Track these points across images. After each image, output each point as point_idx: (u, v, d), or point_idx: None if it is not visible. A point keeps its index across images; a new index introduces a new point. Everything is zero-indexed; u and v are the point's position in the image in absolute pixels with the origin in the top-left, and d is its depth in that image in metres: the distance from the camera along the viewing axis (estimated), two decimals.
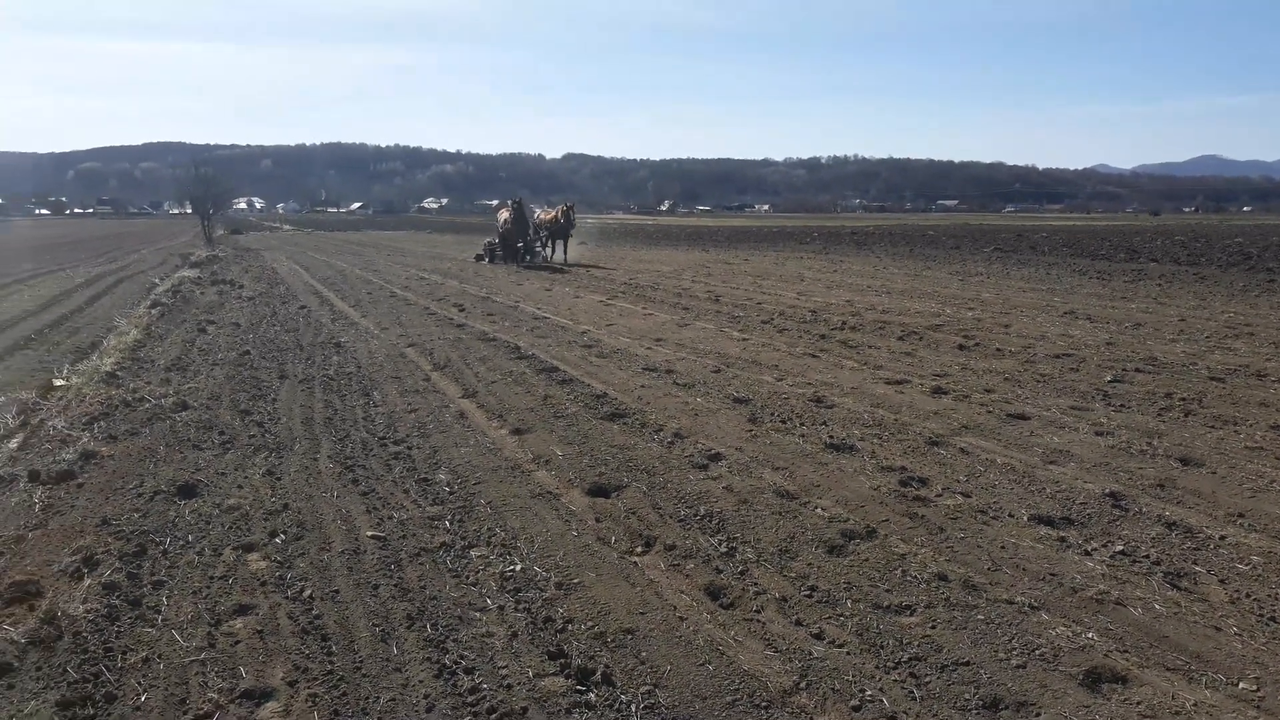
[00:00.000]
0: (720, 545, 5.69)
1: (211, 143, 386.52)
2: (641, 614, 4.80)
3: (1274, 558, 5.34)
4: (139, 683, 4.15)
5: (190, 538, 5.87)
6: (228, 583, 5.20)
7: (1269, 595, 4.88)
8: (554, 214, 31.83)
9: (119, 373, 11.09)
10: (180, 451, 7.82)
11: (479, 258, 33.56)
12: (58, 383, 10.61)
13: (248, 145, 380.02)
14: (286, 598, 5.00)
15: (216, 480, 7.04)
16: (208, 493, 6.75)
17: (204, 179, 62.14)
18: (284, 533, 5.94)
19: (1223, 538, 5.66)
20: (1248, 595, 4.88)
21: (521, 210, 30.95)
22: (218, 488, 6.87)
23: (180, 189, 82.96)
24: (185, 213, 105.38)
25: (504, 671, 4.22)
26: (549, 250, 32.31)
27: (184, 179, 72.57)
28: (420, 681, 4.15)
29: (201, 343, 13.86)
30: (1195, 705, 3.84)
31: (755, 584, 5.14)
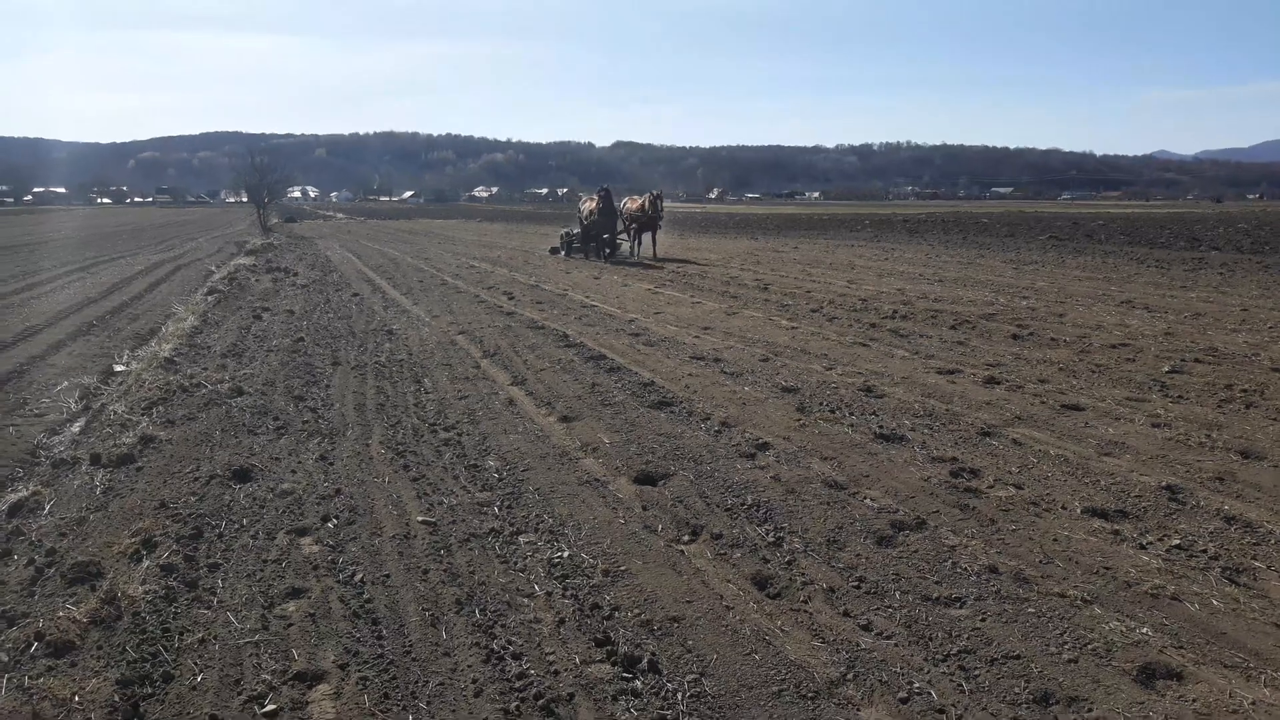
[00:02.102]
0: (767, 535, 5.68)
1: (267, 132, 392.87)
2: (688, 602, 4.80)
3: None
4: (195, 663, 4.24)
5: (245, 521, 5.99)
6: (281, 566, 5.29)
7: None
8: (641, 203, 28.50)
9: (177, 359, 11.33)
10: (235, 436, 7.97)
11: (554, 250, 31.30)
12: (118, 368, 10.87)
13: (302, 134, 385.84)
14: (338, 581, 5.08)
15: (270, 465, 7.17)
16: (262, 477, 6.87)
17: (259, 168, 63.10)
18: (336, 517, 6.04)
19: None
20: None
21: (610, 201, 28.31)
22: (272, 472, 6.99)
23: (236, 178, 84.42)
24: (241, 201, 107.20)
25: (551, 657, 4.25)
26: (635, 244, 29.26)
27: (240, 168, 73.84)
28: (468, 666, 4.19)
29: (256, 329, 14.11)
30: (1253, 704, 3.76)
31: (803, 574, 5.12)
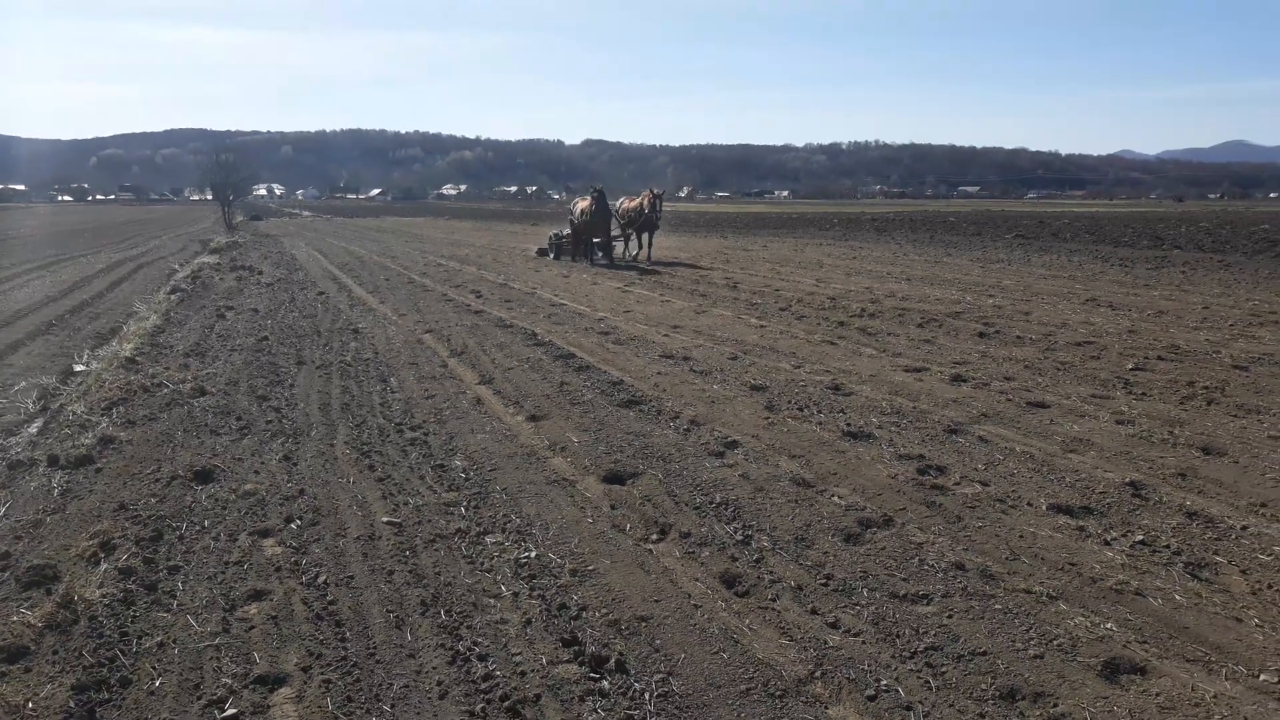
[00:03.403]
0: (736, 533, 5.66)
1: (232, 129, 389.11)
2: (656, 602, 4.78)
3: None
4: (154, 667, 4.16)
5: (206, 523, 5.89)
6: (243, 568, 5.21)
7: None
8: (639, 202, 26.43)
9: (138, 358, 11.15)
10: (198, 437, 7.86)
11: (542, 252, 29.62)
12: (78, 368, 10.69)
13: (268, 131, 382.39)
14: (301, 583, 5.01)
15: (233, 466, 7.07)
16: (224, 478, 6.77)
17: (224, 165, 62.46)
18: (300, 518, 5.96)
19: (1244, 528, 5.58)
20: (1269, 586, 4.82)
21: (604, 202, 25.87)
22: (234, 473, 6.89)
23: (201, 175, 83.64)
24: (205, 199, 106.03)
25: (518, 658, 4.21)
26: (634, 246, 27.36)
27: (204, 165, 73.10)
28: (433, 668, 4.15)
29: (220, 328, 13.93)
30: (1215, 697, 3.79)
31: (771, 572, 5.11)
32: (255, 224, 64.08)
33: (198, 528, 5.81)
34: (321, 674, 4.10)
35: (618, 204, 27.22)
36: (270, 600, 4.82)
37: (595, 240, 26.41)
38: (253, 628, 4.52)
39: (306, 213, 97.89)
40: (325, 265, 26.49)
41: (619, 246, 27.26)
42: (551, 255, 28.76)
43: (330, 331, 13.55)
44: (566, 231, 28.53)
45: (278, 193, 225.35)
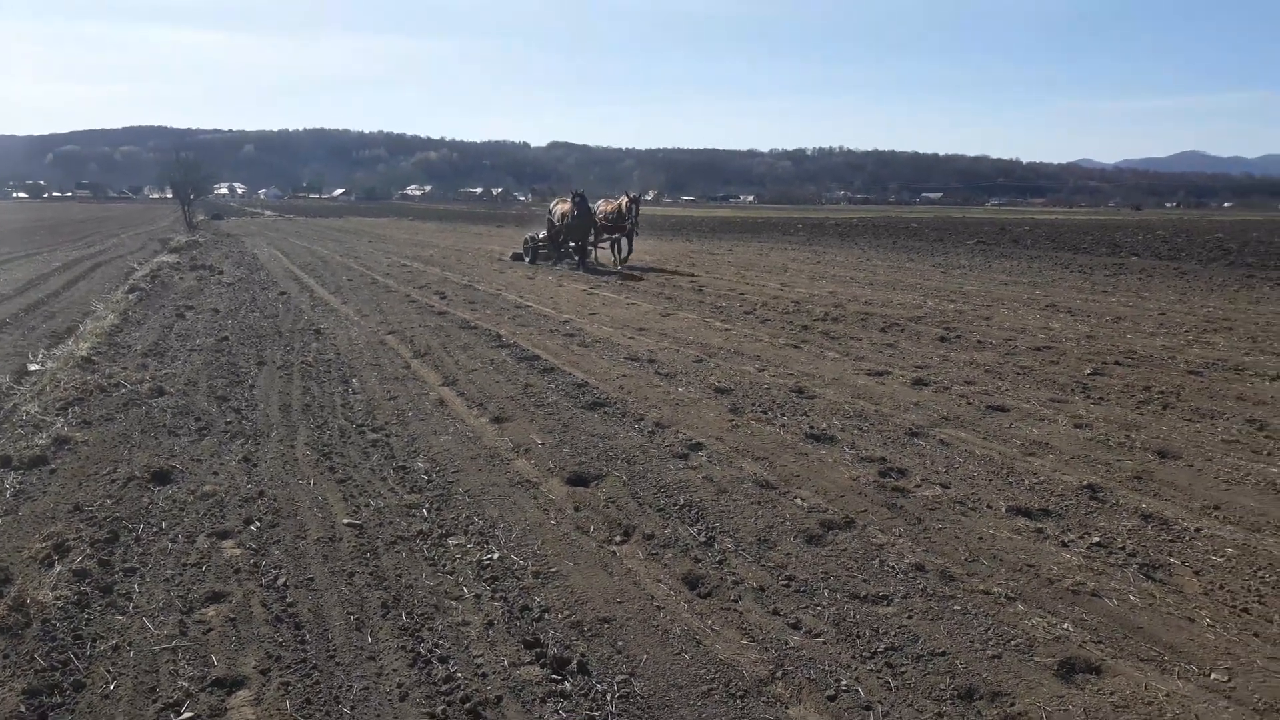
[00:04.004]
0: (699, 535, 5.68)
1: (193, 127, 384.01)
2: (619, 603, 4.78)
3: (1247, 550, 5.37)
4: (108, 671, 4.10)
5: (164, 524, 5.81)
6: (201, 570, 5.15)
7: (1242, 587, 4.90)
8: (616, 205, 25.60)
9: (95, 358, 10.98)
10: (155, 438, 7.75)
11: (516, 256, 28.36)
12: (32, 367, 10.49)
13: (230, 130, 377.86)
14: (260, 585, 4.95)
15: (192, 467, 6.97)
16: (182, 479, 6.68)
17: (185, 164, 61.56)
18: (259, 520, 5.89)
19: (1198, 530, 5.68)
20: (1221, 587, 4.91)
21: (586, 205, 24.91)
22: (193, 474, 6.80)
23: (161, 174, 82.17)
24: (165, 198, 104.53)
25: (479, 660, 4.19)
26: (614, 250, 26.18)
27: (164, 163, 71.98)
28: (394, 670, 4.12)
29: (179, 328, 13.74)
30: (1167, 695, 3.86)
31: (733, 574, 5.13)
32: (216, 223, 63.31)
33: (155, 529, 5.73)
34: (280, 676, 4.06)
35: (594, 208, 26.03)
36: (229, 602, 4.76)
37: (573, 244, 25.75)
38: (210, 630, 4.47)
39: (269, 212, 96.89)
40: (287, 265, 26.23)
41: (594, 251, 26.62)
42: (527, 259, 27.63)
43: (292, 332, 13.42)
44: (543, 234, 27.62)
45: (240, 192, 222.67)
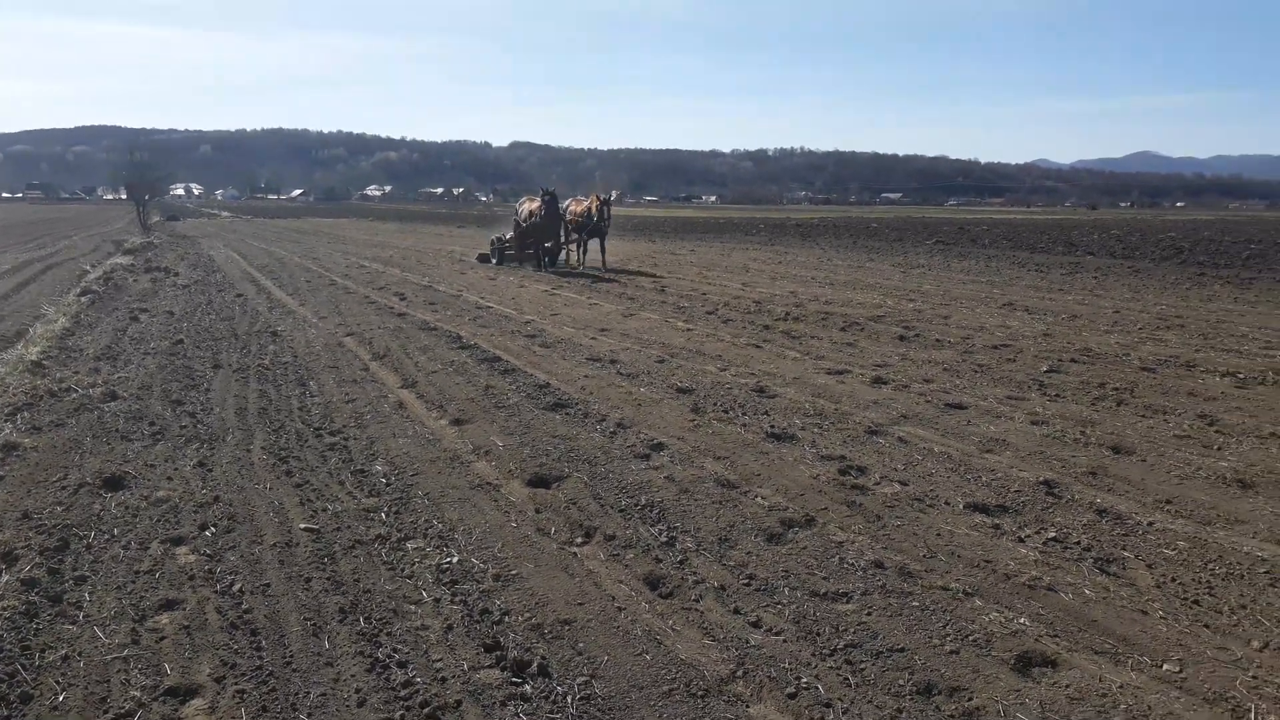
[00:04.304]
0: (660, 535, 5.67)
1: (148, 127, 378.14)
2: (580, 605, 4.76)
3: (1198, 543, 5.47)
4: (57, 681, 4.01)
5: (116, 531, 5.71)
6: (154, 577, 5.06)
7: (1193, 579, 4.99)
8: (586, 205, 24.63)
9: (45, 362, 10.76)
10: (108, 443, 7.60)
11: (483, 258, 27.65)
12: None
13: (185, 130, 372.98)
14: (215, 592, 4.88)
15: (145, 472, 6.86)
16: (135, 485, 6.57)
17: (139, 164, 60.67)
18: (214, 525, 5.80)
19: (1150, 524, 5.77)
20: (1173, 579, 4.98)
21: (555, 205, 24.10)
22: (146, 480, 6.68)
23: (114, 174, 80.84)
24: (120, 199, 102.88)
25: (438, 664, 4.16)
26: (580, 252, 25.42)
27: (118, 164, 70.81)
28: (352, 676, 4.07)
29: (133, 331, 13.52)
30: (1121, 687, 3.91)
31: (694, 573, 5.13)
32: (172, 224, 62.38)
33: (107, 536, 5.63)
34: (235, 684, 3.99)
35: (564, 207, 25.23)
36: (183, 610, 4.68)
37: (545, 245, 24.99)
38: (164, 638, 4.39)
39: (226, 213, 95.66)
40: (244, 267, 25.90)
41: (566, 253, 25.95)
42: (494, 261, 27.00)
43: (248, 334, 13.25)
44: (510, 235, 26.84)
45: (196, 193, 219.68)
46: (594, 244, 25.29)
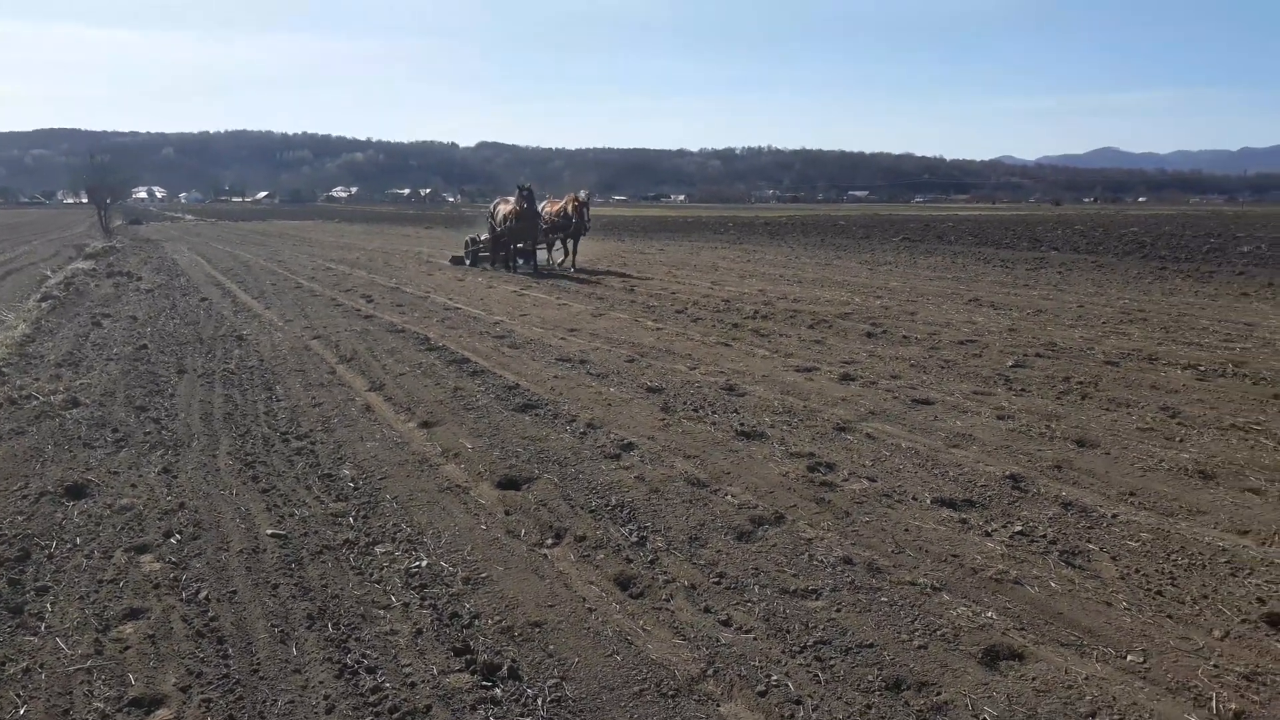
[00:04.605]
0: (631, 535, 5.67)
1: (109, 129, 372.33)
2: (550, 606, 4.75)
3: (1161, 534, 5.54)
4: (18, 694, 3.94)
5: (79, 540, 5.62)
6: (118, 586, 4.99)
7: (1156, 570, 5.05)
8: (561, 205, 24.21)
9: (4, 369, 10.59)
10: (70, 451, 7.49)
11: (456, 260, 27.13)
12: None
13: (148, 132, 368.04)
14: (181, 600, 4.82)
15: (108, 480, 6.76)
16: (98, 493, 6.47)
17: (100, 167, 59.89)
18: (179, 533, 5.73)
19: (1115, 516, 5.84)
20: (1137, 571, 5.05)
21: (533, 203, 23.26)
22: (109, 488, 6.59)
23: (75, 177, 79.77)
24: (81, 203, 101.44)
25: (407, 669, 4.13)
26: (555, 253, 25.24)
27: (79, 167, 69.89)
28: (320, 682, 4.03)
29: (96, 337, 13.33)
30: (1086, 679, 3.95)
31: (665, 573, 5.13)
32: (135, 228, 61.57)
33: (69, 546, 5.54)
34: (202, 693, 3.95)
35: (539, 207, 24.36)
36: (147, 619, 4.62)
37: (519, 246, 24.20)
38: (128, 648, 4.33)
39: (190, 216, 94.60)
40: (209, 270, 25.62)
41: (542, 254, 25.42)
42: (468, 263, 26.36)
43: (213, 339, 13.10)
44: (484, 236, 26.04)
45: (159, 196, 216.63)
46: (568, 245, 24.96)
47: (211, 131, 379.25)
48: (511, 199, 23.60)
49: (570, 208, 23.87)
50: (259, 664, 4.19)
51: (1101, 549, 5.37)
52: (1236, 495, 6.23)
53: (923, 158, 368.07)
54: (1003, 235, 40.29)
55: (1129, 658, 4.14)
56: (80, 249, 35.13)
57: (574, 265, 24.48)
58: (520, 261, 24.40)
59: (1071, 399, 9.00)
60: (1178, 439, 7.58)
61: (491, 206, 25.40)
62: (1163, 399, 8.90)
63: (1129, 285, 19.78)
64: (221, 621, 4.58)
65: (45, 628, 4.53)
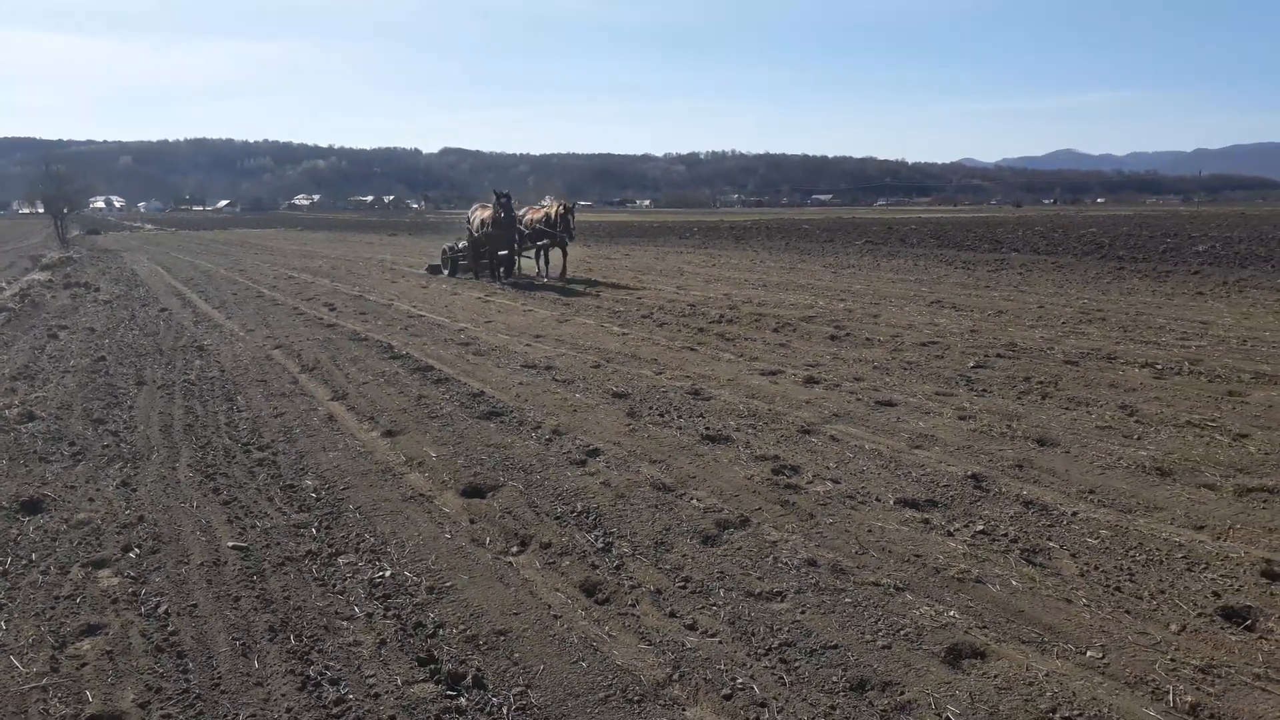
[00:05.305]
0: (597, 541, 5.67)
1: (65, 138, 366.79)
2: (515, 614, 4.73)
3: (1120, 531, 5.62)
4: None
5: (34, 556, 5.52)
6: (75, 602, 4.91)
7: (1115, 566, 5.12)
8: (544, 212, 23.16)
9: None
10: (25, 465, 7.37)
11: (433, 269, 26.25)
12: None
13: (105, 141, 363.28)
14: (140, 615, 4.75)
15: (65, 494, 6.65)
16: (55, 507, 6.37)
17: (56, 176, 58.97)
18: (138, 547, 5.65)
19: (1074, 514, 5.92)
20: (1096, 568, 5.12)
21: (511, 210, 22.40)
22: (66, 502, 6.49)
23: (31, 187, 78.34)
24: (37, 212, 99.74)
25: (371, 680, 4.10)
26: (543, 263, 23.84)
27: (34, 176, 68.79)
28: (282, 695, 3.99)
29: (52, 349, 13.12)
30: (1047, 675, 4.00)
31: (630, 578, 5.13)
32: (93, 238, 60.72)
33: (24, 562, 5.45)
34: (161, 709, 3.89)
35: (520, 215, 23.47)
36: (105, 634, 4.55)
37: (501, 254, 23.14)
38: (85, 665, 4.26)
39: (150, 226, 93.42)
40: (169, 281, 25.30)
41: (528, 263, 24.46)
42: (445, 272, 25.50)
43: (173, 350, 12.94)
44: (462, 244, 25.15)
45: (118, 205, 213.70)
46: (551, 254, 23.84)
47: (171, 140, 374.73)
48: (490, 205, 22.72)
49: (556, 213, 22.79)
50: (220, 677, 4.14)
51: (1061, 547, 5.43)
52: (1192, 491, 6.34)
53: (885, 161, 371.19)
54: (964, 237, 40.71)
55: (1088, 653, 4.19)
56: (36, 260, 34.59)
57: (562, 274, 23.28)
58: (502, 270, 23.41)
59: (1032, 399, 9.11)
60: (1136, 437, 7.69)
61: (470, 213, 24.42)
62: (1121, 397, 9.03)
63: (1088, 285, 20.07)
64: (182, 636, 4.52)
65: None
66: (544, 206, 23.75)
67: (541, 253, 23.87)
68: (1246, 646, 4.25)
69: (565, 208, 22.78)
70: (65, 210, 57.82)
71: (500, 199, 22.22)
